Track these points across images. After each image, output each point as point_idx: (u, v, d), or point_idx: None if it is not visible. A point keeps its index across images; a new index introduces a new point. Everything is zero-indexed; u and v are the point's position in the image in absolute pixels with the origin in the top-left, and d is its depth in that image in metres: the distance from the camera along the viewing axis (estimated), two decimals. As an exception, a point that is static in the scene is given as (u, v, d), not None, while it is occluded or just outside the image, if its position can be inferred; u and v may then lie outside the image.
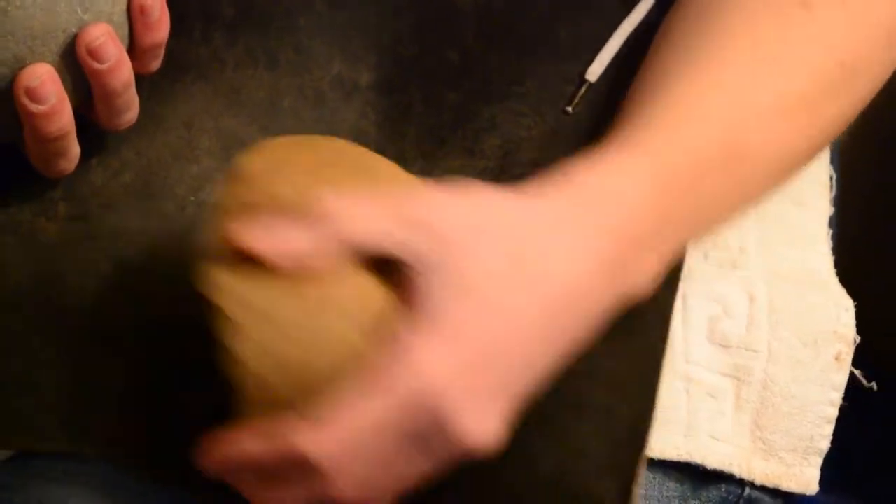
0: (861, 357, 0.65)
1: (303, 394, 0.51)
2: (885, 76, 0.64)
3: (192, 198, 0.64)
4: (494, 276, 0.51)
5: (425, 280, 0.51)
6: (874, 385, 0.62)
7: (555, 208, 0.54)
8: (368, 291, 0.52)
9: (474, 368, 0.51)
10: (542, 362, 0.53)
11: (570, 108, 0.66)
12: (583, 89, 0.66)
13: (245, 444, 0.52)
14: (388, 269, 0.52)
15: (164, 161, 0.64)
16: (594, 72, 0.67)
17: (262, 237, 0.51)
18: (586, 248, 0.53)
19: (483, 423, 0.51)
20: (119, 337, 0.62)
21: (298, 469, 0.50)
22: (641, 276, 0.56)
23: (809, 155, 0.63)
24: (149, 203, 0.64)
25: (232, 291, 0.51)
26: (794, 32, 0.60)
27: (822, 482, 0.66)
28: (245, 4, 0.66)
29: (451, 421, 0.50)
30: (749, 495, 0.63)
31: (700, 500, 0.63)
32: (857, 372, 0.63)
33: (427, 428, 0.50)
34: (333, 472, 0.50)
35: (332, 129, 0.65)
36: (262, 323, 0.51)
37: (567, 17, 0.68)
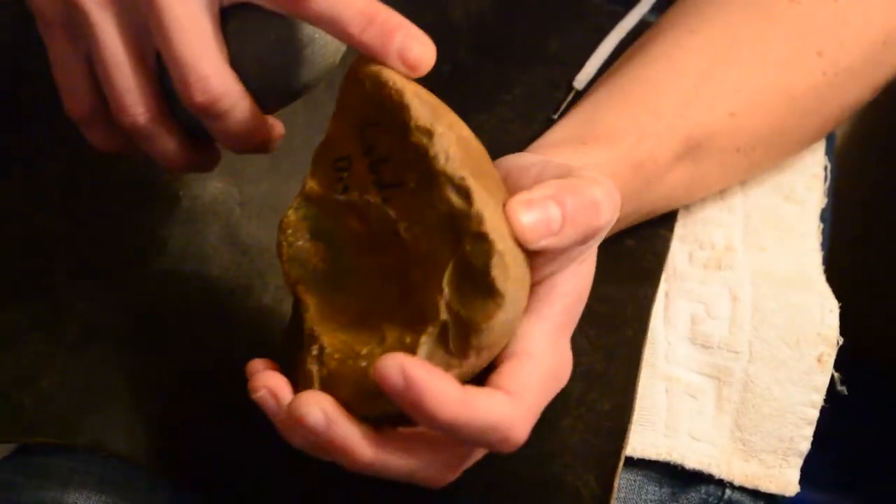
0: (850, 358, 0.65)
1: None
2: (884, 77, 0.64)
3: (182, 192, 0.65)
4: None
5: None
6: (844, 389, 0.62)
7: None
8: None
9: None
10: None
11: (556, 116, 0.67)
12: (570, 97, 0.67)
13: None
14: None
15: None
16: (582, 80, 0.68)
17: None
18: None
19: None
20: (120, 332, 0.63)
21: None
22: None
23: (784, 143, 0.64)
24: (145, 195, 0.65)
25: None
26: (775, 22, 0.61)
27: (821, 481, 0.66)
28: None
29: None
30: (729, 497, 0.63)
31: (679, 503, 0.63)
32: (835, 374, 0.63)
33: None
34: None
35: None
36: None
37: (558, 26, 0.69)
